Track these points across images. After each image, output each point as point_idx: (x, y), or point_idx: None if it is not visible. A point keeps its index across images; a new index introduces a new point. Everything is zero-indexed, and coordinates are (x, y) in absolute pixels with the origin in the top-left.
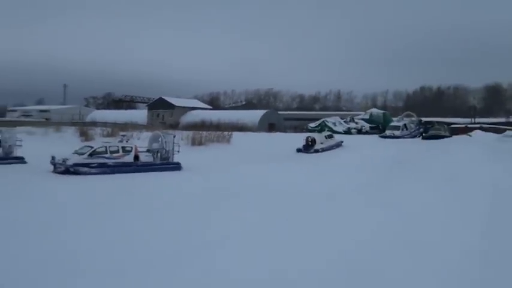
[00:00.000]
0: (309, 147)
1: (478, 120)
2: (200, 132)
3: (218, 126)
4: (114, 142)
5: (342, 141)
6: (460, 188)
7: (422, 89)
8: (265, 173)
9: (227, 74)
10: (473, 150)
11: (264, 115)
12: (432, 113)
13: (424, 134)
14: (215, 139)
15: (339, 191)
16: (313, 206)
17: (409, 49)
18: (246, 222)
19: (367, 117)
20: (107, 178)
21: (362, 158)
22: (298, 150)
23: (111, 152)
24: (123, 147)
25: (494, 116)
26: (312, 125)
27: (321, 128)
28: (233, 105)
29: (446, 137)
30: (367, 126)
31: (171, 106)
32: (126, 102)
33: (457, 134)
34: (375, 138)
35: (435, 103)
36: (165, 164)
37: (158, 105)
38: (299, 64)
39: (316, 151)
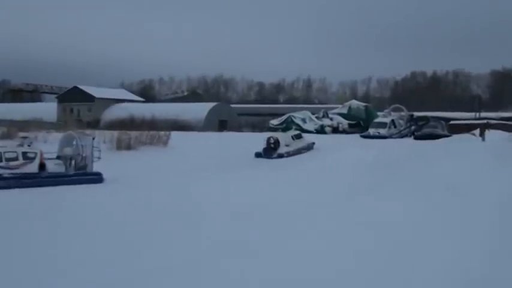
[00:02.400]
0: (271, 150)
1: (483, 114)
2: (128, 132)
3: (152, 124)
4: (11, 146)
5: (314, 143)
6: (462, 204)
7: (413, 75)
8: (212, 188)
9: (163, 56)
10: (477, 154)
11: (213, 109)
12: (426, 105)
13: (416, 133)
14: (148, 141)
15: (308, 209)
16: (275, 230)
17: (397, 27)
18: (188, 254)
19: (344, 111)
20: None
21: (339, 164)
22: (258, 155)
23: (7, 160)
24: (23, 153)
25: (504, 109)
26: (275, 122)
27: (287, 126)
28: (172, 96)
29: (444, 136)
30: (345, 123)
31: (89, 98)
32: (28, 93)
33: (458, 132)
34: (355, 138)
35: (430, 93)
36: (81, 174)
37: (72, 97)
38: (258, 44)
39: (281, 156)
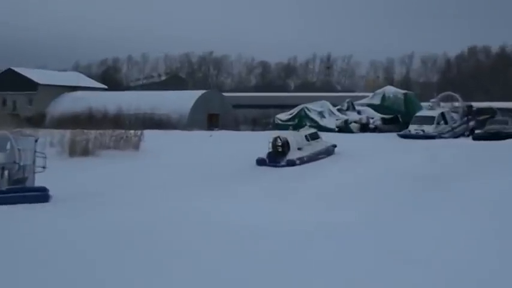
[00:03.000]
0: (278, 156)
1: None
2: (85, 131)
3: (118, 121)
4: None
5: (335, 146)
6: None
7: (472, 51)
8: (196, 212)
9: (133, 28)
10: None
11: (200, 100)
12: (490, 93)
13: (476, 131)
14: (112, 144)
15: (339, 246)
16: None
17: None
18: None
19: (377, 101)
20: None
21: (369, 177)
22: (260, 163)
23: None
24: None
25: None
26: (283, 116)
27: (299, 122)
28: (145, 82)
29: None
30: (377, 117)
31: (29, 84)
32: None
33: None
34: (390, 138)
35: (495, 76)
36: (18, 191)
37: (5, 83)
38: (259, 11)
39: (291, 163)
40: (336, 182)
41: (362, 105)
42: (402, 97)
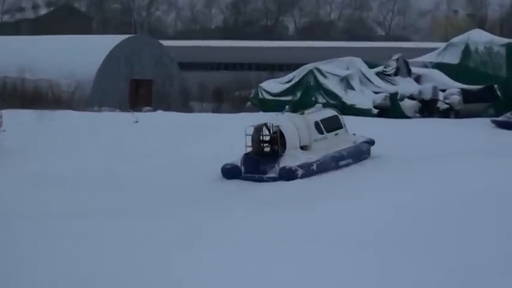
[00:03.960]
0: (263, 161)
1: None
2: None
3: None
4: None
5: (372, 142)
6: None
7: None
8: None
9: None
10: None
11: (116, 54)
12: None
13: None
14: None
15: None
16: None
17: None
18: None
19: (454, 58)
20: None
21: (445, 212)
22: (230, 173)
23: None
24: None
25: None
26: (274, 85)
27: (304, 97)
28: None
29: None
30: (453, 88)
31: None
32: None
33: None
34: (480, 127)
35: None
36: None
37: None
38: None
39: (288, 175)
40: (383, 220)
41: (424, 65)
42: (503, 51)
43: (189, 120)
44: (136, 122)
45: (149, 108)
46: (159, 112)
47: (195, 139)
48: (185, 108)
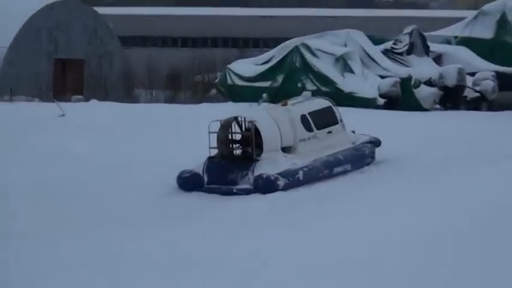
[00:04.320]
0: (232, 167)
1: None
2: None
3: None
4: None
5: (376, 142)
6: None
7: None
8: None
9: None
10: None
11: (33, 25)
12: None
13: None
14: None
15: None
16: None
17: None
18: None
19: (485, 31)
20: None
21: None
22: (188, 183)
23: None
24: None
25: None
26: (247, 67)
27: (286, 83)
28: None
29: None
30: (485, 71)
31: None
32: None
33: None
34: None
35: None
36: None
37: None
38: None
39: (266, 187)
40: (380, 257)
41: (447, 40)
42: None
43: (134, 113)
44: (63, 115)
45: (80, 97)
46: (94, 102)
47: (142, 138)
48: (128, 97)
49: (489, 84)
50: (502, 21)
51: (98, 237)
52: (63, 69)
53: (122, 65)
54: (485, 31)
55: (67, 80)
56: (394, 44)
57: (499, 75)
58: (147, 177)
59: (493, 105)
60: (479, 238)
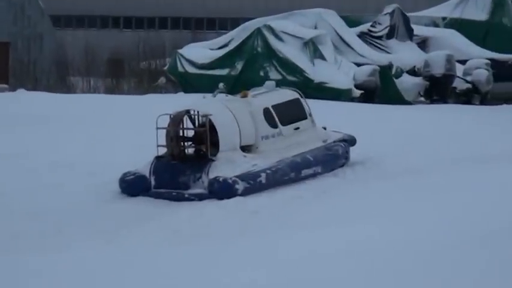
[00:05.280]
0: (183, 169)
1: None
2: None
3: None
4: None
5: (351, 141)
6: None
7: None
8: None
9: None
10: None
11: None
12: None
13: None
14: None
15: None
16: None
17: None
18: None
19: (478, 12)
20: None
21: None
22: (132, 187)
23: None
24: None
25: None
26: (201, 53)
27: (247, 71)
28: None
29: None
30: (478, 60)
31: None
32: None
33: None
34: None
35: None
36: None
37: None
38: None
39: (223, 191)
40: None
41: (433, 22)
42: None
43: (69, 105)
44: None
45: (4, 86)
46: (21, 92)
47: (78, 135)
48: (62, 86)
49: (482, 74)
50: (499, 1)
51: (24, 249)
52: None
53: (54, 48)
54: (478, 12)
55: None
56: (372, 26)
57: (494, 64)
58: (84, 181)
59: (487, 98)
60: (468, 252)
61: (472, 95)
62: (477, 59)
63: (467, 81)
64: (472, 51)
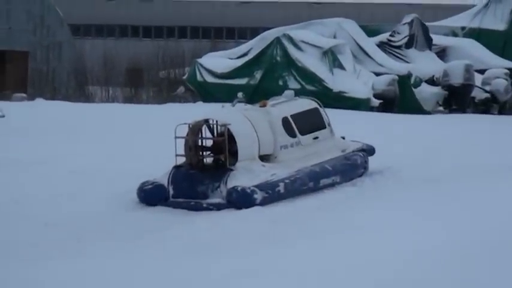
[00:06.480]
0: (201, 178)
1: None
2: None
3: None
4: None
5: (370, 150)
6: None
7: None
8: None
9: None
10: None
11: None
12: None
13: None
14: None
15: None
16: None
17: None
18: None
19: (497, 22)
20: None
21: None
22: (151, 196)
23: None
24: None
25: None
26: (219, 63)
27: (265, 81)
28: None
29: None
30: (497, 69)
31: None
32: None
33: None
34: None
35: None
36: None
37: None
38: None
39: (241, 201)
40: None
41: (452, 32)
42: None
43: (88, 114)
44: (2, 116)
45: (23, 95)
46: (40, 101)
47: (97, 144)
48: (81, 95)
49: (501, 84)
50: None
51: (44, 257)
52: (2, 62)
53: (73, 57)
54: (497, 21)
55: (7, 75)
56: (391, 35)
57: None
58: (102, 189)
59: (505, 108)
60: (489, 263)
61: (490, 105)
62: (496, 68)
63: (486, 91)
64: (490, 61)
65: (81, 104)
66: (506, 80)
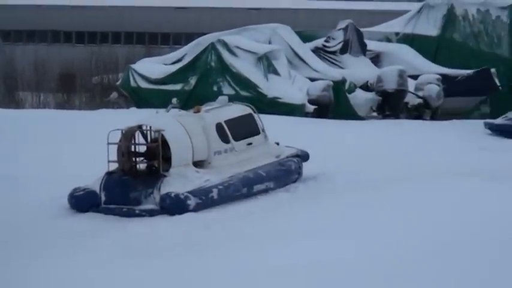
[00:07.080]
0: (134, 184)
1: None
2: None
3: None
4: None
5: (304, 156)
6: None
7: None
8: None
9: None
10: None
11: None
12: None
13: None
14: None
15: None
16: None
17: None
18: None
19: (430, 28)
20: None
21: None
22: (82, 203)
23: None
24: None
25: None
26: (153, 69)
27: (199, 87)
28: None
29: None
30: (429, 75)
31: None
32: None
33: None
34: (467, 135)
35: None
36: None
37: None
38: None
39: (175, 207)
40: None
41: (386, 38)
42: (505, 17)
43: (18, 120)
44: None
45: None
46: None
47: (27, 150)
48: (11, 101)
49: (433, 89)
50: (448, 17)
51: None
52: None
53: (3, 63)
54: (430, 27)
55: None
56: (326, 41)
57: (444, 79)
58: (32, 196)
59: (437, 113)
60: (423, 267)
61: (423, 110)
62: (428, 74)
63: (418, 96)
64: (423, 67)
65: (11, 110)
66: (439, 85)
